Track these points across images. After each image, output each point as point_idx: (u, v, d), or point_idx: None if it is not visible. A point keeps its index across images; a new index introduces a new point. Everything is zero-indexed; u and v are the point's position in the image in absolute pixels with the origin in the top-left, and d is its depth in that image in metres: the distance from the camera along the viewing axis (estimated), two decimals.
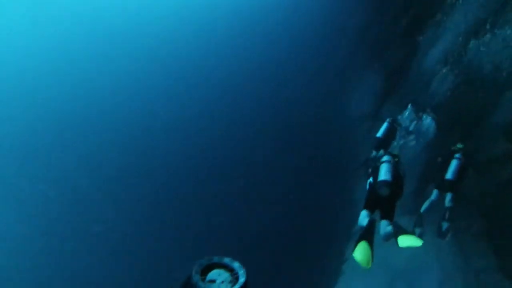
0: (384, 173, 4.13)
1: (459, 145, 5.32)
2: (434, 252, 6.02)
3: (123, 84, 11.24)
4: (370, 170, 4.57)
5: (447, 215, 5.05)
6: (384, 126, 5.63)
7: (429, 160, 6.10)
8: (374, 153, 5.47)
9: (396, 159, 4.47)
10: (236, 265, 0.63)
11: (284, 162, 9.37)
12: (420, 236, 4.55)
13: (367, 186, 4.48)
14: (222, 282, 0.61)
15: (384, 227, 4.09)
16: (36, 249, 10.09)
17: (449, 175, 5.06)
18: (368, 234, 4.01)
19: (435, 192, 5.42)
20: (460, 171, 5.12)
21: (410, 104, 6.20)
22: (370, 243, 3.90)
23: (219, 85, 10.70)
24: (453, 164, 5.08)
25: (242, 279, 0.60)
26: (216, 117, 10.23)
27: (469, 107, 5.82)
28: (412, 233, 4.18)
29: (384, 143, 5.48)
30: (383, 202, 4.15)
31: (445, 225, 5.09)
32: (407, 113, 6.11)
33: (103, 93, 11.07)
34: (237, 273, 0.62)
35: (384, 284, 5.86)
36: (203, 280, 0.61)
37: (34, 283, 9.70)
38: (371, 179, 4.40)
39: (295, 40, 9.99)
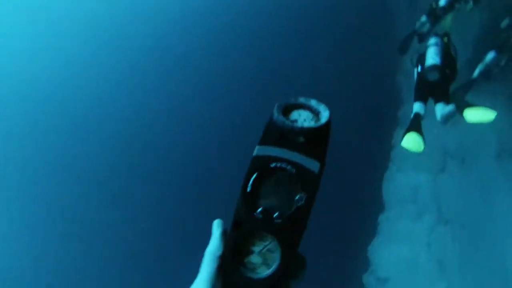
0: (431, 56, 3.80)
1: None
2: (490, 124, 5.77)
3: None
4: (416, 57, 4.20)
5: (478, 71, 4.58)
6: None
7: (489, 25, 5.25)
8: (423, 19, 4.94)
9: (445, 39, 4.07)
10: (313, 102, 0.60)
11: None
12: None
13: (415, 76, 4.19)
14: (305, 120, 0.59)
15: (442, 108, 3.81)
16: (36, 249, 10.10)
17: None
18: (415, 124, 3.93)
19: (492, 54, 4.61)
20: None
21: None
22: (419, 131, 3.84)
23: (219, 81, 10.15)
24: None
25: (325, 113, 0.58)
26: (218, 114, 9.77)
27: None
28: (479, 105, 3.64)
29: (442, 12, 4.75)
30: (435, 88, 3.87)
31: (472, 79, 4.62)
32: None
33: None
34: (317, 110, 0.60)
35: (435, 164, 6.00)
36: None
37: (34, 283, 9.86)
38: (418, 68, 4.06)
39: None
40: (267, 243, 0.58)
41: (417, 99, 4.09)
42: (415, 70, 4.21)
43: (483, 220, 5.88)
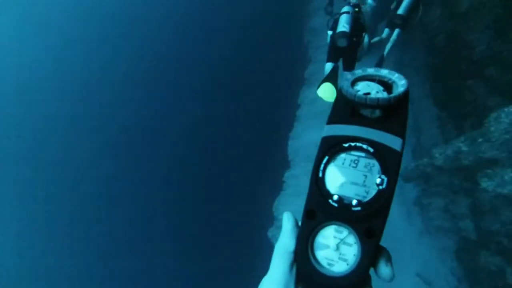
0: (342, 24, 4.13)
1: None
2: None
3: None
4: (330, 22, 4.52)
5: (388, 48, 5.26)
6: None
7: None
8: None
9: (357, 9, 4.43)
10: (384, 72, 0.53)
11: None
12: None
13: (328, 39, 4.52)
14: (377, 92, 0.52)
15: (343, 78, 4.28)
16: (36, 248, 10.16)
17: (401, 10, 4.98)
18: (331, 76, 4.23)
19: (386, 31, 5.48)
20: (412, 7, 5.03)
21: None
22: (334, 83, 4.13)
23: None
24: (406, 1, 4.95)
25: (402, 82, 0.50)
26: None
27: None
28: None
29: None
30: (343, 52, 4.28)
31: (383, 56, 5.35)
32: None
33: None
34: (390, 80, 0.52)
35: None
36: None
37: (34, 282, 9.75)
38: (331, 32, 4.43)
39: None
40: (344, 235, 0.52)
41: (329, 60, 4.48)
42: (329, 33, 4.53)
43: None
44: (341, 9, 4.56)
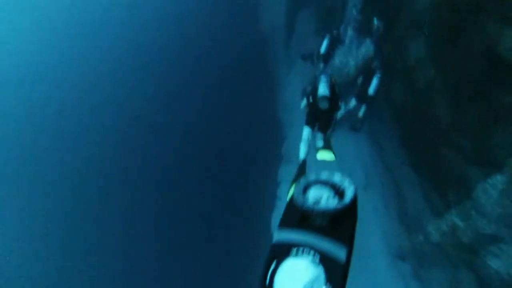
0: (323, 89, 4.42)
1: (375, 21, 5.80)
2: (358, 162, 6.42)
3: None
4: (308, 89, 4.93)
5: (361, 118, 6.05)
6: (326, 41, 6.17)
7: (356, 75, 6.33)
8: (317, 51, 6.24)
9: (333, 79, 4.71)
10: (336, 178, 0.58)
11: None
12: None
13: (307, 105, 4.79)
14: (328, 197, 0.57)
15: (320, 140, 4.67)
16: (36, 248, 10.04)
17: (371, 90, 5.70)
18: (326, 145, 4.58)
19: (353, 101, 6.20)
20: (379, 86, 5.75)
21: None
22: (330, 148, 4.51)
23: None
24: (375, 81, 5.65)
25: (350, 190, 0.56)
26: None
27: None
28: (330, 148, 4.64)
29: (326, 57, 6.16)
30: (322, 115, 4.55)
31: (358, 123, 6.15)
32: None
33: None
34: (340, 187, 0.57)
35: None
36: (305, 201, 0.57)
37: (34, 282, 9.62)
38: (310, 98, 4.70)
39: None
40: None
41: (307, 123, 4.70)
42: (305, 99, 4.86)
43: (359, 248, 6.36)
44: (318, 77, 4.94)
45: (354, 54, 6.28)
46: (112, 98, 11.12)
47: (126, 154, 9.84)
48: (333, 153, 4.52)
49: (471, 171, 4.38)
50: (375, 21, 5.82)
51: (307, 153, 4.66)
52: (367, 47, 6.12)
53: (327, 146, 4.59)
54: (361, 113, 6.17)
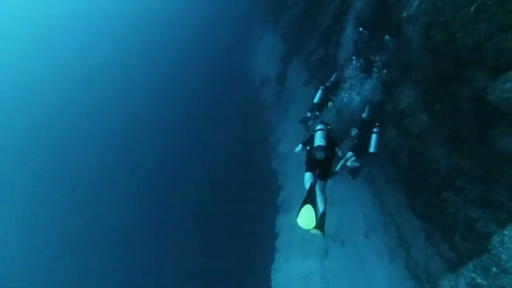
0: (318, 139, 4.55)
1: (387, 37, 5.77)
2: (358, 207, 6.29)
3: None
4: (306, 138, 4.95)
5: (358, 167, 5.88)
6: (319, 93, 6.45)
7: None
8: (309, 114, 6.50)
9: (329, 127, 4.87)
10: None
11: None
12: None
13: (305, 153, 4.84)
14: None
15: (320, 190, 4.51)
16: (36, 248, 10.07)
17: (372, 148, 5.49)
18: (309, 196, 4.28)
19: (350, 154, 6.00)
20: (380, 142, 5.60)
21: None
22: (313, 203, 4.17)
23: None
24: (374, 138, 5.49)
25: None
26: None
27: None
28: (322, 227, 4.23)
29: (319, 107, 6.43)
30: (320, 164, 4.61)
31: (355, 171, 5.96)
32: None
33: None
34: None
35: (321, 251, 5.93)
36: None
37: (34, 282, 9.58)
38: (307, 147, 4.79)
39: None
40: None
41: (307, 170, 4.67)
42: (304, 148, 4.94)
43: None
44: (314, 127, 5.00)
45: (358, 89, 6.46)
46: (112, 99, 11.44)
47: (126, 154, 10.04)
48: (323, 231, 4.14)
49: (474, 214, 4.30)
50: (377, 59, 6.02)
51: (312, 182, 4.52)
52: (370, 84, 6.30)
53: (320, 224, 4.21)
54: (358, 162, 6.01)
